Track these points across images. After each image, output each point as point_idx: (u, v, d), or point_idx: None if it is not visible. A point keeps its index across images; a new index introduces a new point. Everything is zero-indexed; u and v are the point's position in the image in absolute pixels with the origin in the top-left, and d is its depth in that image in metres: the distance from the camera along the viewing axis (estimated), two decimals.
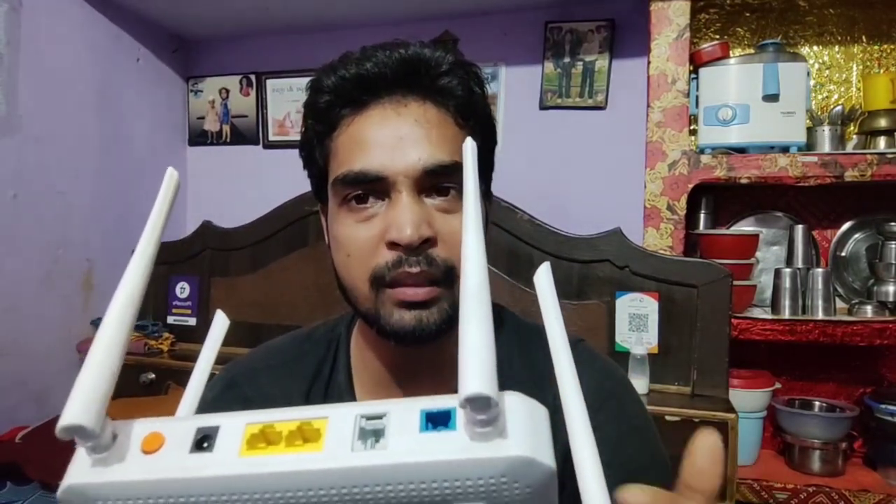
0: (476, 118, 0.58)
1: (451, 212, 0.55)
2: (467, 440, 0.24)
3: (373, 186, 0.54)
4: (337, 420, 0.26)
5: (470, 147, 0.31)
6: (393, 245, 0.53)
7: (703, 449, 0.30)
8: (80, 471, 0.26)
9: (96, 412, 0.25)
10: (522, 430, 0.24)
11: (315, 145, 0.59)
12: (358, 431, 0.25)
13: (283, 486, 0.24)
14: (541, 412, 0.26)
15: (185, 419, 0.28)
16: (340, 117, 0.57)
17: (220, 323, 0.39)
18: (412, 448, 0.24)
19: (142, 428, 0.27)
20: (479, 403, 0.23)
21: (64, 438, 0.25)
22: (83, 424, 0.25)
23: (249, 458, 0.25)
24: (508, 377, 0.55)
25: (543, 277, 0.34)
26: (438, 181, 0.54)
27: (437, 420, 0.25)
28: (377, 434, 0.25)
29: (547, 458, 0.24)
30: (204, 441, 0.26)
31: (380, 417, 0.25)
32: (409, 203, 0.53)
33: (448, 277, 0.54)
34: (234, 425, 0.26)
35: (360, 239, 0.55)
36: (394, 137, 0.54)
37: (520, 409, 0.25)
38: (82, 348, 1.75)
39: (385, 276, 0.53)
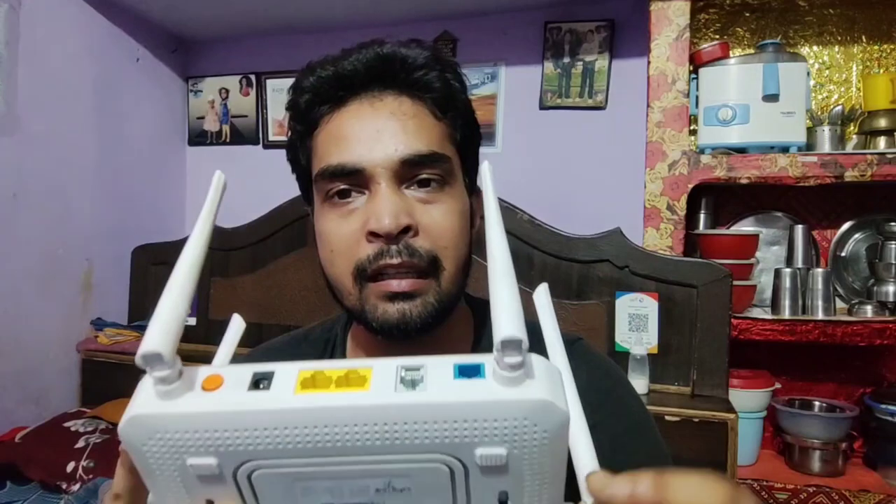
0: (455, 111, 0.59)
1: (433, 203, 0.55)
2: (496, 385, 0.27)
3: (352, 180, 0.54)
4: (380, 369, 0.29)
5: (487, 168, 0.37)
6: (373, 235, 0.53)
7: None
8: (146, 402, 0.28)
9: (172, 344, 0.28)
10: (542, 380, 0.28)
11: (298, 146, 0.60)
12: (399, 378, 0.28)
13: (333, 420, 0.27)
14: (555, 370, 0.29)
15: (240, 365, 0.30)
16: (320, 115, 0.58)
17: (237, 326, 0.42)
18: (447, 390, 0.27)
19: (202, 370, 0.30)
20: (512, 345, 0.26)
21: (141, 366, 0.28)
22: (162, 352, 0.27)
23: (303, 395, 0.28)
24: None
25: (542, 297, 0.38)
26: (417, 171, 0.54)
27: (469, 371, 0.28)
28: (415, 382, 0.28)
29: (562, 404, 0.28)
30: (260, 382, 0.29)
31: (418, 369, 0.29)
32: (388, 193, 0.53)
33: (432, 268, 0.54)
34: (287, 370, 0.29)
35: (343, 233, 0.55)
36: (371, 130, 0.54)
37: (538, 364, 0.28)
38: (81, 348, 1.74)
39: (367, 269, 0.53)
